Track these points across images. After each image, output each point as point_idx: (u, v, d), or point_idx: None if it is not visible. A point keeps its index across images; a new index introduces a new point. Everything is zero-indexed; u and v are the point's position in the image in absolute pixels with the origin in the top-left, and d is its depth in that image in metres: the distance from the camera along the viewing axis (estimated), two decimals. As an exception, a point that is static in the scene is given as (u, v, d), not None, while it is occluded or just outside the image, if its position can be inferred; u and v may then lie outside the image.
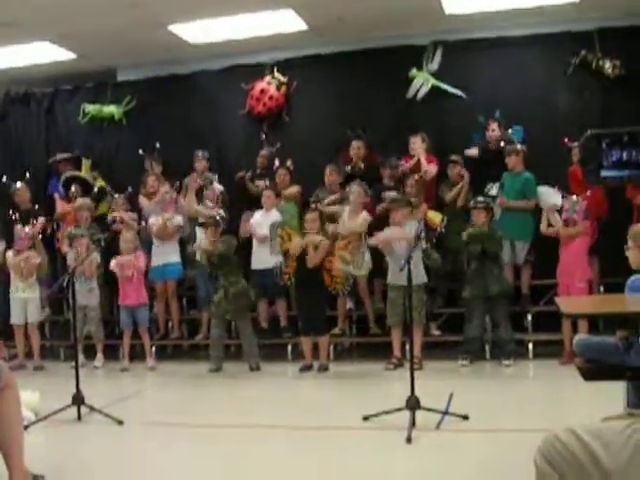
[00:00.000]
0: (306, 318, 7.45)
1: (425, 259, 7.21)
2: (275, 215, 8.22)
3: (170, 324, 8.83)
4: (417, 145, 8.24)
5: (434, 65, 8.75)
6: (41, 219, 8.80)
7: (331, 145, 8.81)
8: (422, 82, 8.73)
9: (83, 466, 4.40)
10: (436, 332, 7.99)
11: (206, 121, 9.59)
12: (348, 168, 8.49)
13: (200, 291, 8.58)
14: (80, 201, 9.07)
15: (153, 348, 8.34)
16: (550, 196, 7.69)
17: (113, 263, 8.20)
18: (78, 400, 5.51)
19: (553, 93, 8.44)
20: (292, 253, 7.42)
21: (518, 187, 7.75)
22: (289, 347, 8.09)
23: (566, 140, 7.86)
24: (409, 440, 4.52)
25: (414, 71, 8.74)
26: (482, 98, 8.57)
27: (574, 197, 7.27)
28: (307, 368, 7.40)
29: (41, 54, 9.16)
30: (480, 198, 7.53)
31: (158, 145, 9.25)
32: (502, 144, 8.10)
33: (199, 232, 8.34)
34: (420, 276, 6.99)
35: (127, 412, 5.65)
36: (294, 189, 8.58)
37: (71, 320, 6.63)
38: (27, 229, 8.54)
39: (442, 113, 8.74)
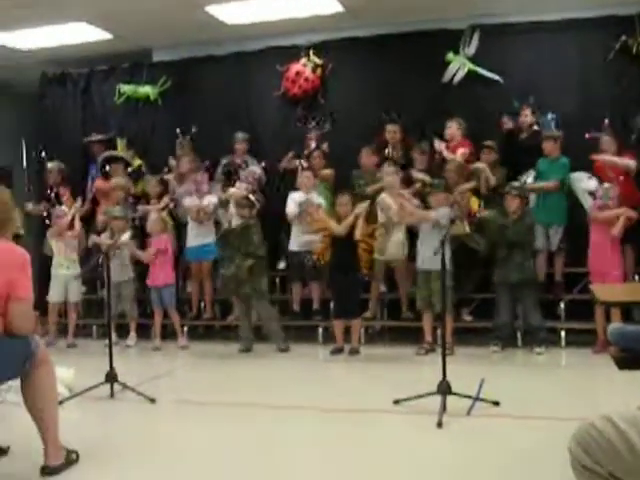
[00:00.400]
0: (339, 301, 7.46)
1: (472, 244, 7.20)
2: (315, 198, 8.17)
3: (202, 304, 8.89)
4: (453, 130, 8.17)
5: (471, 49, 8.66)
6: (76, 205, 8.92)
7: (366, 128, 8.74)
8: (459, 66, 8.64)
9: (115, 442, 4.45)
10: (468, 318, 7.96)
11: (241, 102, 9.60)
12: (387, 151, 8.46)
13: None
14: (114, 180, 9.14)
15: (185, 328, 8.40)
16: (583, 181, 7.65)
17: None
18: (111, 377, 5.58)
19: (591, 79, 8.29)
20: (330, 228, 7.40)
21: (557, 172, 7.67)
22: (320, 330, 8.11)
23: (587, 135, 7.80)
24: (440, 425, 4.52)
25: (451, 55, 8.66)
26: (519, 83, 8.45)
27: (607, 184, 7.21)
28: (338, 351, 7.41)
29: (78, 34, 9.21)
30: (515, 184, 7.45)
31: (194, 129, 9.28)
32: (536, 127, 8.04)
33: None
34: (447, 262, 6.95)
35: (159, 390, 5.73)
36: (328, 171, 8.57)
37: (105, 298, 6.71)
38: (64, 208, 8.67)
39: (478, 98, 8.64)
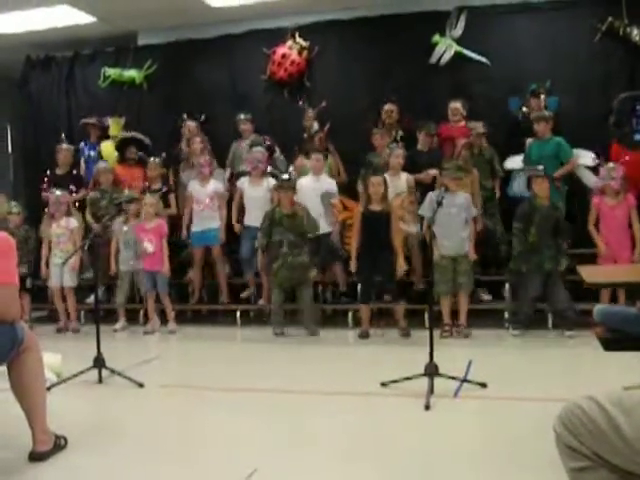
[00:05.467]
0: (375, 285, 7.36)
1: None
2: (325, 181, 8.10)
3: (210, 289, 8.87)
4: (459, 111, 8.26)
5: (457, 31, 8.63)
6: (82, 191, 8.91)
7: (352, 110, 8.76)
8: (445, 48, 8.63)
9: (104, 428, 4.44)
10: (486, 297, 7.92)
11: (227, 86, 9.56)
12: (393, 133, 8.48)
13: (244, 253, 8.46)
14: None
15: (172, 312, 8.29)
16: (580, 157, 7.71)
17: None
18: (99, 363, 5.57)
19: (579, 60, 8.29)
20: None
21: (551, 153, 7.67)
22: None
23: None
24: (427, 407, 4.53)
25: (437, 37, 8.63)
26: (506, 65, 8.47)
27: (610, 164, 7.26)
28: (366, 335, 7.33)
29: (61, 18, 9.15)
30: (539, 167, 7.29)
31: (203, 117, 9.28)
32: (524, 109, 8.05)
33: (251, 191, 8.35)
34: (467, 245, 7.10)
35: (148, 375, 5.69)
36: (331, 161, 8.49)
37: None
38: (64, 193, 8.58)
39: (465, 80, 8.64)
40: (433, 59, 8.68)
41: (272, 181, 8.31)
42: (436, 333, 7.04)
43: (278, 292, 7.69)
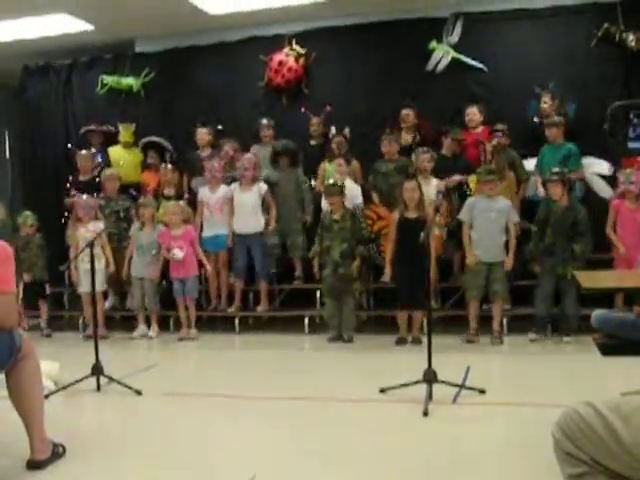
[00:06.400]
0: (407, 291, 7.25)
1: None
2: (350, 186, 7.96)
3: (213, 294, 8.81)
4: (476, 117, 8.26)
5: (454, 37, 8.65)
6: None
7: (351, 116, 8.78)
8: (442, 54, 8.63)
9: (102, 436, 4.43)
10: (507, 306, 7.72)
11: (224, 93, 9.56)
12: (415, 137, 8.50)
13: (238, 262, 8.43)
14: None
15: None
16: (594, 165, 7.73)
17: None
18: (97, 370, 5.56)
19: (575, 66, 8.30)
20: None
21: (561, 158, 7.65)
22: (306, 319, 8.11)
23: None
24: (426, 413, 4.52)
25: (434, 43, 8.64)
26: (503, 71, 8.50)
27: (627, 169, 7.29)
28: (402, 341, 7.27)
29: (59, 26, 9.15)
30: (555, 169, 7.22)
31: (220, 127, 9.25)
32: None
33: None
34: (503, 252, 7.07)
35: (146, 382, 5.68)
36: (355, 165, 8.44)
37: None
38: (90, 197, 8.55)
39: (462, 86, 8.64)
40: (430, 66, 8.69)
41: (263, 187, 8.32)
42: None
43: (330, 301, 7.58)
